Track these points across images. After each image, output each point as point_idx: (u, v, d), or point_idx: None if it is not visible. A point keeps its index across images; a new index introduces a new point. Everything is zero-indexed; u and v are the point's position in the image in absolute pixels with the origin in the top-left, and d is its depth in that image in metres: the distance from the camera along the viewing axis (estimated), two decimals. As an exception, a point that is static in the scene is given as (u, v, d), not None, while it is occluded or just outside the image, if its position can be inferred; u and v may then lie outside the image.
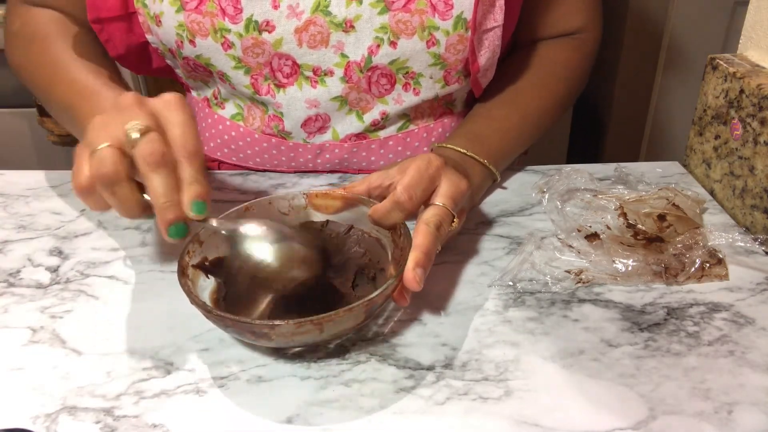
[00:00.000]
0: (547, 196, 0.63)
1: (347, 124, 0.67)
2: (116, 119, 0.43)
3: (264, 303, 0.48)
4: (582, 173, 0.65)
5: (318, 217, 0.54)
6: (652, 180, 0.67)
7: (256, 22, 0.59)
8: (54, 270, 0.57)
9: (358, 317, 0.44)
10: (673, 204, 0.60)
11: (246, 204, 0.52)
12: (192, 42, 0.61)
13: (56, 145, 1.39)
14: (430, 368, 0.46)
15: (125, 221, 0.62)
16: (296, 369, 0.46)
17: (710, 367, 0.46)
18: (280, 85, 0.64)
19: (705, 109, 0.68)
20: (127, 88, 0.58)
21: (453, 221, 0.52)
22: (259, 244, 0.46)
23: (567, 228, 0.59)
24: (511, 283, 0.54)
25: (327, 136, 0.68)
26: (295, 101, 0.65)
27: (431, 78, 0.64)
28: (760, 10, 0.64)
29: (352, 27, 0.59)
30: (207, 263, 0.49)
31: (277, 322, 0.41)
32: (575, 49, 0.73)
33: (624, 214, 0.60)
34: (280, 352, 0.48)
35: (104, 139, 0.42)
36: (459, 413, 0.43)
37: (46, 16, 0.66)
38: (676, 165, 0.72)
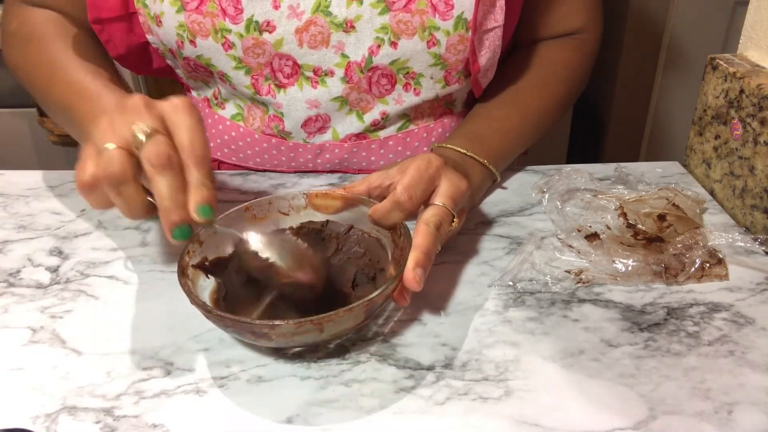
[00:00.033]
0: (547, 196, 0.63)
1: (347, 124, 0.67)
2: (123, 120, 0.43)
3: (264, 303, 0.48)
4: (582, 173, 0.65)
5: (318, 217, 0.54)
6: (652, 180, 0.67)
7: (257, 22, 0.59)
8: (54, 270, 0.57)
9: (358, 317, 0.44)
10: (673, 204, 0.60)
11: (246, 204, 0.53)
12: (192, 42, 0.60)
13: (56, 145, 1.39)
14: (430, 368, 0.46)
15: (125, 221, 0.62)
16: (296, 369, 0.46)
17: (710, 367, 0.46)
18: (280, 86, 0.64)
19: (705, 109, 0.68)
20: (127, 88, 0.58)
21: (453, 221, 0.52)
22: (260, 245, 0.47)
23: (567, 228, 0.59)
24: (511, 283, 0.54)
25: (327, 136, 0.68)
26: (295, 101, 0.65)
27: (432, 78, 0.64)
28: (760, 10, 0.64)
29: (353, 27, 0.59)
30: (207, 263, 0.49)
31: (277, 322, 0.41)
32: (576, 49, 0.73)
33: (624, 214, 0.60)
34: (280, 352, 0.48)
35: (112, 139, 0.42)
36: (459, 413, 0.43)
37: (44, 16, 0.66)
38: (676, 165, 0.72)
